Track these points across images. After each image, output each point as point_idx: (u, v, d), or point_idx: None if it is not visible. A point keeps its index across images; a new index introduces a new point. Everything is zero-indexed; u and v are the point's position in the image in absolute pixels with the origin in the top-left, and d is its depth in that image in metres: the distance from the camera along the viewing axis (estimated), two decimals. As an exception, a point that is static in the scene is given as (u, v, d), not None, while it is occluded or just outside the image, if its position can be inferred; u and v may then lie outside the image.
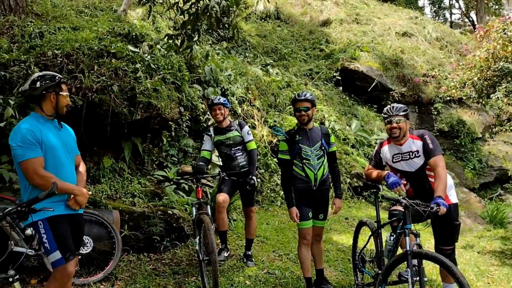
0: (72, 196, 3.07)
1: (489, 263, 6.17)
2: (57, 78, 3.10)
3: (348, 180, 9.41)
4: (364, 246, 4.34)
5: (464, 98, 8.42)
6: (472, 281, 5.29)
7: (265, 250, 5.73)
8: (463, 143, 12.83)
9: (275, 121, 9.23)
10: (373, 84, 12.98)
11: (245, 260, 5.14)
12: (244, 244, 5.36)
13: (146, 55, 6.65)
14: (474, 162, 12.60)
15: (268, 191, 8.14)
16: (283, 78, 11.50)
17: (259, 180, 7.94)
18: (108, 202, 5.17)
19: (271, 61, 12.85)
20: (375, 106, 13.13)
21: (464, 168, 12.51)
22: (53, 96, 3.05)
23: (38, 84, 3.01)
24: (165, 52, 7.14)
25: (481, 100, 7.01)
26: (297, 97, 4.29)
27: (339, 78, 13.21)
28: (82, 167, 3.39)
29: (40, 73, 3.12)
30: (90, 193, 3.30)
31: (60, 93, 3.09)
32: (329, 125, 10.32)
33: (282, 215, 7.46)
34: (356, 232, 4.61)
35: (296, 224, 4.34)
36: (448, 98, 11.74)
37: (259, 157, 8.21)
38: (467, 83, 7.21)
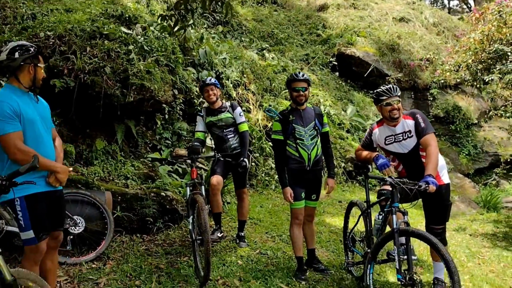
0: (52, 173, 3.00)
1: (481, 245, 6.22)
2: (34, 48, 2.99)
3: (343, 165, 9.43)
4: (354, 226, 4.36)
5: (459, 81, 8.38)
6: (463, 262, 5.34)
7: (258, 231, 5.77)
8: (458, 128, 12.85)
9: (270, 105, 9.19)
10: (369, 69, 12.94)
11: (237, 241, 5.17)
12: (237, 226, 5.39)
13: (139, 37, 6.60)
14: (469, 148, 12.63)
15: (263, 174, 8.15)
16: (279, 63, 11.45)
17: (253, 163, 7.95)
18: (101, 184, 5.16)
19: (267, 46, 12.75)
20: (371, 91, 13.04)
21: (459, 153, 12.55)
22: (31, 67, 2.95)
23: (17, 54, 2.89)
24: (159, 34, 7.07)
25: (475, 84, 6.99)
26: (295, 76, 4.26)
27: (336, 63, 13.20)
28: (58, 141, 3.28)
29: (18, 43, 2.99)
30: (71, 169, 3.22)
31: (38, 64, 3.00)
32: (324, 110, 10.30)
33: (276, 198, 7.49)
34: (347, 212, 4.62)
35: (289, 204, 4.36)
36: (444, 84, 11.72)
37: (253, 141, 8.20)
38: (461, 66, 7.19)
